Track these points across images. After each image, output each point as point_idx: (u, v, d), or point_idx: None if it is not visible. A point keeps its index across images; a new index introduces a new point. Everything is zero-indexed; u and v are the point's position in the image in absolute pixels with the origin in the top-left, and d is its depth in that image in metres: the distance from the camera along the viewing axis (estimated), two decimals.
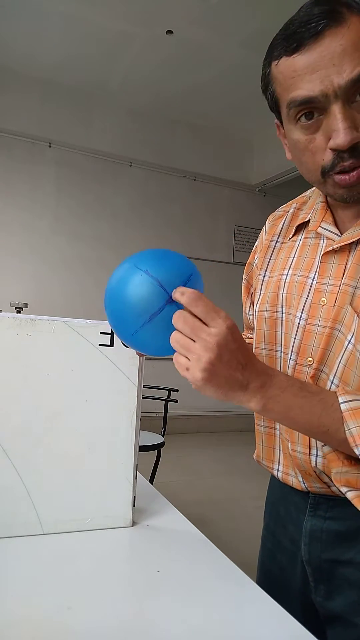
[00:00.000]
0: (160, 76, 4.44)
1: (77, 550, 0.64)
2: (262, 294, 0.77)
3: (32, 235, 4.78)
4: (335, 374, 0.63)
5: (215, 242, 5.69)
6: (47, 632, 0.47)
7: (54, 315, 0.72)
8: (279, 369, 0.72)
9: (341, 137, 0.54)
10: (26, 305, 3.37)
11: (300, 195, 0.80)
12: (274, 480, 0.81)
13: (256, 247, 0.85)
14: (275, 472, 0.75)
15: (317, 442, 0.65)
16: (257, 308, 0.77)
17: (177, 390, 3.13)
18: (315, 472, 0.66)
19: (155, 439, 2.54)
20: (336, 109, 0.54)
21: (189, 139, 5.36)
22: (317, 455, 0.66)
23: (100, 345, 0.71)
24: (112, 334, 0.72)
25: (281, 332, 0.72)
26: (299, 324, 0.68)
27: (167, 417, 3.00)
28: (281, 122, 0.65)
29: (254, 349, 0.77)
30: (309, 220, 0.72)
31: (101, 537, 0.68)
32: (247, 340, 0.89)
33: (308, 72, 0.54)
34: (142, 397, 0.74)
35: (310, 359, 0.66)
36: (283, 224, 0.78)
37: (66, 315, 0.78)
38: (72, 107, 4.79)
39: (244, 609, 0.53)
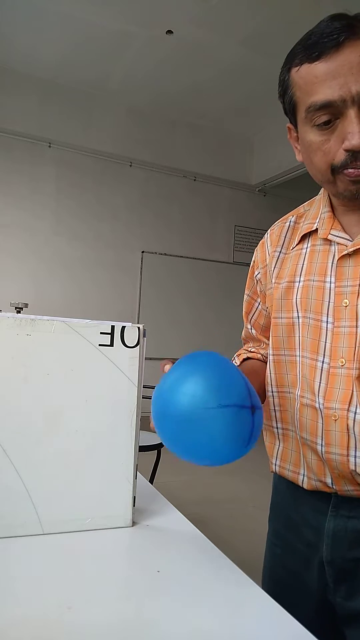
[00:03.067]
0: (160, 76, 4.44)
1: (77, 550, 0.64)
2: (273, 301, 0.79)
3: (32, 235, 4.78)
4: None
5: (215, 242, 5.69)
6: (47, 632, 0.47)
7: (54, 315, 0.72)
8: (300, 373, 0.73)
9: (356, 139, 0.59)
10: (26, 305, 3.37)
11: (296, 209, 0.84)
12: (280, 484, 0.81)
13: (255, 261, 0.87)
14: (300, 478, 0.75)
15: (357, 441, 0.66)
16: (272, 315, 0.79)
17: None
18: (351, 473, 0.66)
19: (155, 439, 2.54)
20: (352, 113, 0.60)
21: (189, 139, 5.36)
22: (356, 457, 0.66)
23: (100, 345, 0.71)
24: (112, 334, 0.72)
25: (299, 336, 0.74)
26: (327, 327, 0.70)
27: None
28: (295, 125, 0.69)
29: (270, 357, 0.79)
30: (316, 229, 0.75)
31: (101, 537, 0.68)
32: (247, 355, 0.91)
33: (328, 78, 0.60)
34: (142, 397, 0.74)
35: (342, 359, 0.67)
36: (285, 236, 0.81)
37: (66, 315, 0.78)
38: (72, 107, 4.79)
39: (244, 608, 0.53)
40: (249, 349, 0.92)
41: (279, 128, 5.11)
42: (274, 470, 0.80)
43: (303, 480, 0.74)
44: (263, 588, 0.77)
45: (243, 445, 0.54)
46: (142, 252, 5.29)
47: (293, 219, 0.82)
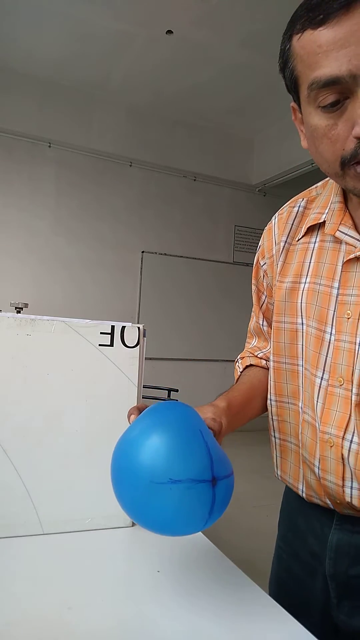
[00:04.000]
0: (160, 76, 4.44)
1: (77, 550, 0.64)
2: (275, 302, 0.71)
3: (32, 235, 4.78)
4: None
5: (215, 242, 5.69)
6: (47, 632, 0.47)
7: (54, 315, 0.72)
8: (302, 386, 0.67)
9: None
10: (26, 305, 3.37)
11: (307, 190, 0.72)
12: (288, 489, 0.76)
13: (261, 249, 0.77)
14: (299, 491, 0.69)
15: (353, 473, 0.59)
16: (272, 318, 0.71)
17: (177, 390, 3.13)
18: (348, 504, 0.61)
19: None
20: None
21: (189, 139, 5.36)
22: (352, 487, 0.60)
23: (100, 345, 0.71)
24: (112, 334, 0.72)
25: (302, 345, 0.66)
26: (329, 340, 0.61)
27: None
28: (299, 104, 0.57)
29: (271, 362, 0.72)
30: (324, 221, 0.64)
31: (101, 537, 0.68)
32: (252, 361, 0.82)
33: (335, 48, 0.48)
34: (142, 397, 0.74)
35: (340, 378, 0.60)
36: (292, 223, 0.71)
37: (66, 315, 0.77)
38: (72, 107, 4.79)
39: (244, 608, 0.53)
40: (255, 353, 0.83)
41: (279, 128, 5.11)
42: (276, 475, 0.75)
43: (303, 494, 0.69)
44: (269, 590, 0.75)
45: (200, 521, 0.48)
46: (142, 252, 5.29)
47: (303, 203, 0.71)
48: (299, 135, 0.61)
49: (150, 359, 4.68)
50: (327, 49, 0.49)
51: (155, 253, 5.36)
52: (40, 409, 0.68)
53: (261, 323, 0.81)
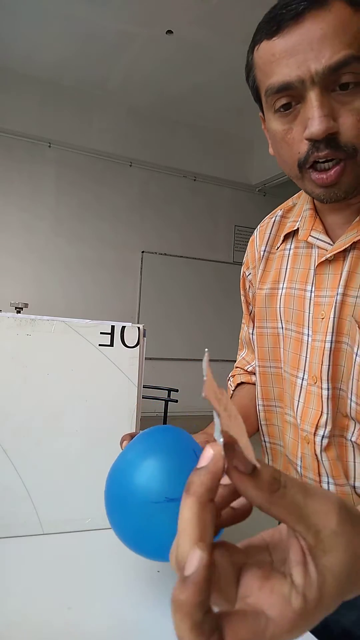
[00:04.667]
0: (160, 76, 4.44)
1: (77, 550, 0.64)
2: (256, 309, 0.73)
3: (32, 235, 4.78)
4: (352, 392, 0.58)
5: (215, 242, 5.69)
6: (47, 632, 0.47)
7: (54, 315, 0.72)
8: (288, 390, 0.68)
9: (315, 125, 0.50)
10: (26, 305, 3.37)
11: (286, 202, 0.76)
12: None
13: (246, 260, 0.80)
14: None
15: (327, 470, 0.61)
16: (255, 324, 0.73)
17: (177, 390, 3.13)
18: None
19: None
20: (312, 96, 0.50)
21: (189, 139, 5.36)
22: (328, 483, 0.61)
23: (100, 345, 0.71)
24: (112, 334, 0.72)
25: (283, 348, 0.68)
26: (307, 341, 0.63)
27: (167, 417, 3.00)
28: (263, 113, 0.60)
29: (257, 367, 0.73)
30: (298, 228, 0.67)
31: (101, 537, 0.68)
32: (243, 379, 0.83)
33: (286, 56, 0.51)
34: (142, 397, 0.74)
35: (314, 376, 0.62)
36: (270, 233, 0.74)
37: (66, 315, 0.77)
38: (72, 107, 4.79)
39: None
40: (245, 367, 0.85)
41: None
42: None
43: None
44: None
45: None
46: (142, 252, 5.29)
47: (280, 214, 0.74)
48: None
49: (150, 359, 4.67)
50: (280, 57, 0.51)
51: (156, 253, 5.36)
52: (40, 409, 0.68)
53: (251, 332, 0.82)
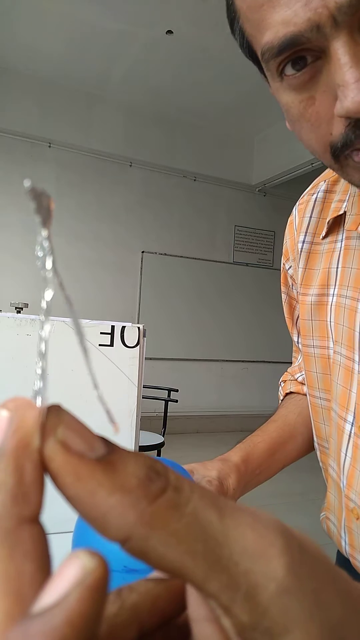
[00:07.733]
0: (160, 76, 4.44)
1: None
2: (300, 321, 0.57)
3: (32, 235, 4.78)
4: None
5: (215, 242, 5.69)
6: None
7: (54, 315, 0.72)
8: (334, 436, 0.50)
9: (353, 96, 0.31)
10: (26, 305, 3.37)
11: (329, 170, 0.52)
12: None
13: (285, 248, 0.62)
14: (342, 543, 0.51)
15: None
16: (299, 341, 0.57)
17: (177, 390, 3.13)
18: None
19: (155, 439, 2.53)
20: (339, 48, 0.31)
21: (189, 139, 5.36)
22: None
23: (100, 345, 0.71)
24: (112, 334, 0.72)
25: (331, 377, 0.51)
26: (358, 371, 0.46)
27: (167, 417, 3.00)
28: (264, 74, 0.42)
29: (308, 396, 0.57)
30: (345, 212, 0.49)
31: None
32: (294, 388, 0.67)
33: None
34: (142, 397, 0.74)
35: None
36: (311, 217, 0.55)
37: (66, 315, 0.78)
38: (72, 107, 4.79)
39: None
40: (296, 376, 0.68)
41: (279, 128, 5.11)
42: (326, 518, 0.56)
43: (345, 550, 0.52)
44: None
45: None
46: (142, 252, 5.29)
47: (323, 187, 0.54)
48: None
49: (150, 358, 4.68)
50: None
51: (155, 253, 5.36)
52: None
53: (297, 340, 0.64)
